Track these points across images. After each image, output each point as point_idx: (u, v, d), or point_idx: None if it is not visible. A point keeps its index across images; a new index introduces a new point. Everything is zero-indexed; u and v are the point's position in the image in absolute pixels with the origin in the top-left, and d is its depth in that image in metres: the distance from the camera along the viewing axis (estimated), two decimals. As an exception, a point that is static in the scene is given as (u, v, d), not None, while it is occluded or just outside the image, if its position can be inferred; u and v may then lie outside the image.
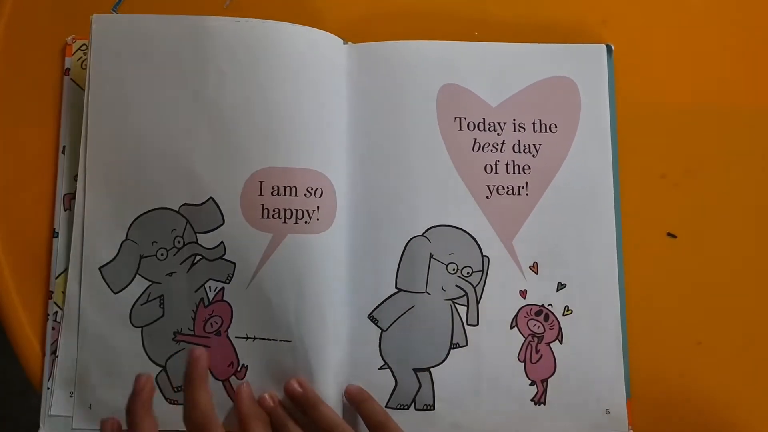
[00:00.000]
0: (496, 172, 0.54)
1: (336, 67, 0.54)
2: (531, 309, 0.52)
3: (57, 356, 0.51)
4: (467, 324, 0.52)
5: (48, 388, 0.51)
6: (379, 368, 0.51)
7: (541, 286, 0.53)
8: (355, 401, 0.50)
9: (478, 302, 0.52)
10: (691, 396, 0.53)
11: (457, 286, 0.52)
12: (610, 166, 0.54)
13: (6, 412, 1.00)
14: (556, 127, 0.55)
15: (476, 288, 0.53)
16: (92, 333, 0.51)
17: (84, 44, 0.55)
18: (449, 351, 0.51)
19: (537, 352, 0.52)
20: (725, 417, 0.53)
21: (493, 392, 0.51)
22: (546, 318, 0.52)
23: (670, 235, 0.55)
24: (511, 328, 0.52)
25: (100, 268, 0.51)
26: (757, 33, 0.58)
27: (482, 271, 0.53)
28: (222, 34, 0.51)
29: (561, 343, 0.52)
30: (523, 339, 0.52)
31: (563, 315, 0.52)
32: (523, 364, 0.52)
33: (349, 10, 0.57)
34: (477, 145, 0.54)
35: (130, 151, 0.51)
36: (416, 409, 0.51)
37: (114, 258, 0.51)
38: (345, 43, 0.55)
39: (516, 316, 0.52)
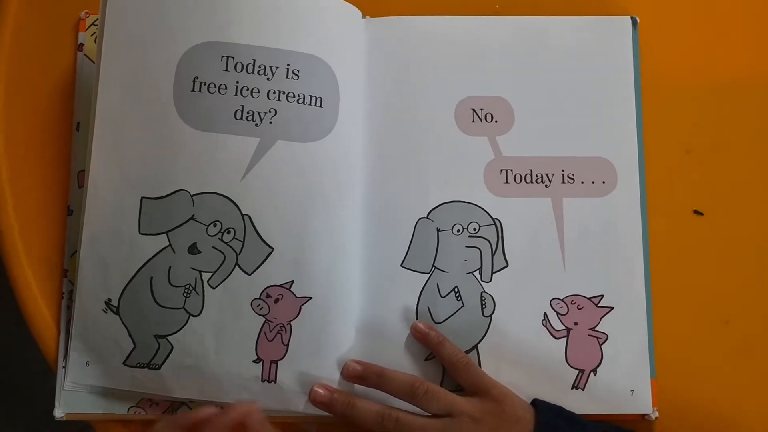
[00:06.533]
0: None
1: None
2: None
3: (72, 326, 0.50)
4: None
5: (63, 367, 0.50)
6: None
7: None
8: (430, 342, 0.49)
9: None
10: (717, 376, 0.52)
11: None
12: (635, 141, 0.53)
13: (23, 395, 1.00)
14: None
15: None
16: None
17: (98, 19, 0.54)
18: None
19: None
20: (752, 397, 0.52)
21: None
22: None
23: (696, 212, 0.54)
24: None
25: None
26: (786, 6, 0.57)
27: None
28: None
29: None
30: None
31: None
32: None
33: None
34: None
35: None
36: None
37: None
38: (363, 16, 0.54)
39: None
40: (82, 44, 0.54)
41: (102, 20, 0.50)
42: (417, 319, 0.51)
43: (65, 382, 0.50)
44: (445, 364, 0.49)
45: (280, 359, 0.49)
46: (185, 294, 0.49)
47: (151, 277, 0.49)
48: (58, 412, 0.50)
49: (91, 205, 0.49)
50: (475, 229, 0.52)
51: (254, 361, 0.49)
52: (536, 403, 0.49)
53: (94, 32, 0.54)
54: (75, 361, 0.49)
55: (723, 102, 0.55)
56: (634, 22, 0.55)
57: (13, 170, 0.53)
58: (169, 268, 0.49)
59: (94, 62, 0.54)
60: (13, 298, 0.52)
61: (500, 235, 0.52)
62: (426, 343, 0.50)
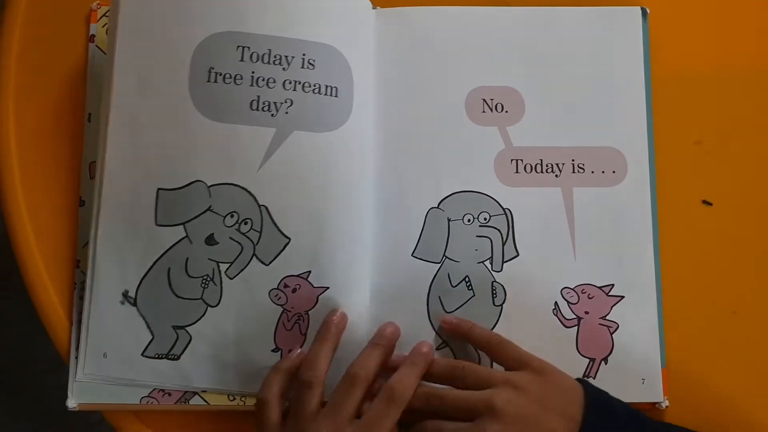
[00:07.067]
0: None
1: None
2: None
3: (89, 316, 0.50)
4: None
5: (76, 358, 0.50)
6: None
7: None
8: (461, 330, 0.50)
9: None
10: (726, 366, 0.52)
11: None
12: (645, 132, 0.53)
13: (30, 392, 1.00)
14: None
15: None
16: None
17: (109, 10, 0.54)
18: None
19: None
20: (761, 386, 0.52)
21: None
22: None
23: (705, 202, 0.54)
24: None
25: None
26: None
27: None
28: None
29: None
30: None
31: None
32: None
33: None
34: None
35: None
36: None
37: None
38: (373, 7, 0.54)
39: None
40: (93, 35, 0.54)
41: (115, 10, 0.50)
42: (428, 308, 0.51)
43: (82, 373, 0.49)
44: (481, 346, 0.49)
45: (299, 348, 0.49)
46: (203, 285, 0.49)
47: (169, 268, 0.49)
48: (71, 403, 0.50)
49: (107, 197, 0.50)
50: (485, 219, 0.52)
51: (273, 350, 0.49)
52: (582, 380, 0.48)
53: (106, 23, 0.54)
54: (92, 353, 0.49)
55: (733, 93, 0.55)
56: (644, 13, 0.55)
57: (24, 161, 0.53)
58: (187, 259, 0.49)
59: (105, 53, 0.54)
60: (19, 297, 0.52)
61: (511, 225, 0.52)
62: (458, 333, 0.50)
